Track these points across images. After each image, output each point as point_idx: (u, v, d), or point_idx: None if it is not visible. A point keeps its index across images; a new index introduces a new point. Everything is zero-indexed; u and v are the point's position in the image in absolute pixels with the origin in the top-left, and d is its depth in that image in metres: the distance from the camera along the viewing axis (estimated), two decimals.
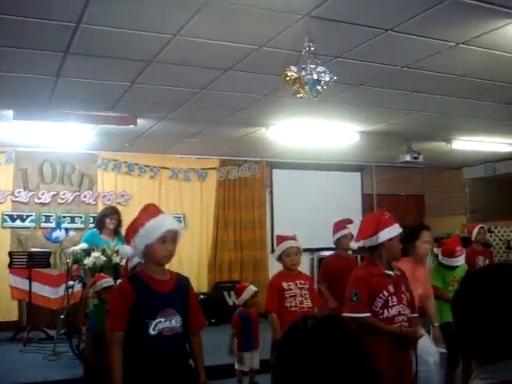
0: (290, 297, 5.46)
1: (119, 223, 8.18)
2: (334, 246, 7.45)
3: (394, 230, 4.35)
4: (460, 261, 6.34)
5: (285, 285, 5.49)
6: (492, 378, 1.65)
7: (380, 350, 3.82)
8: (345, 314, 4.20)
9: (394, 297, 4.22)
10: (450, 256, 6.32)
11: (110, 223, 8.06)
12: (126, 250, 3.73)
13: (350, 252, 7.78)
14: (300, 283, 5.54)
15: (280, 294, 5.47)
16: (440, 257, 6.44)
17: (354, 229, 6.45)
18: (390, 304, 4.20)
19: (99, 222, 8.22)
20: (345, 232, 7.23)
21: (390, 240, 4.30)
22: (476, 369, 1.74)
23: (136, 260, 4.66)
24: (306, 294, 5.52)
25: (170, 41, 5.11)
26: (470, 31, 5.07)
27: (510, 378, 1.64)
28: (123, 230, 8.40)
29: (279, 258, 5.69)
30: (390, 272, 4.30)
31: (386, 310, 4.19)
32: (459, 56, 5.72)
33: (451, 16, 4.73)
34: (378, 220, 4.37)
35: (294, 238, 5.74)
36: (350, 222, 7.32)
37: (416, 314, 4.50)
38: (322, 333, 1.53)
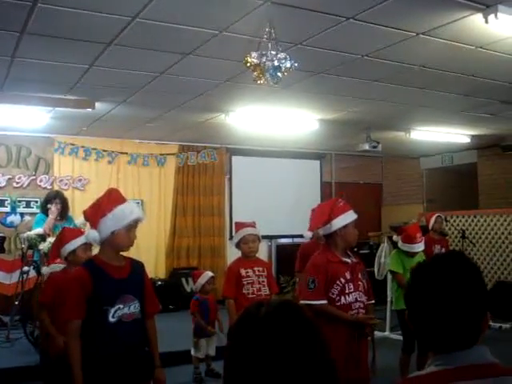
0: (248, 284, 5.47)
1: (65, 206, 8.08)
2: (303, 233, 7.40)
3: (347, 217, 4.35)
4: (420, 247, 6.42)
5: (243, 271, 5.50)
6: (447, 365, 1.69)
7: (336, 337, 3.93)
8: (301, 302, 4.24)
9: (350, 284, 4.24)
10: (410, 242, 6.39)
11: (53, 207, 7.96)
12: (94, 234, 3.59)
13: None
14: (258, 270, 5.56)
15: (238, 281, 5.48)
16: (400, 243, 6.50)
17: None
18: (347, 291, 4.22)
19: (43, 208, 8.12)
20: None
21: (344, 227, 4.31)
22: (432, 356, 1.76)
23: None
24: (263, 281, 5.54)
25: (130, 23, 5.02)
26: (431, 22, 5.10)
27: (465, 364, 1.68)
28: (71, 213, 8.37)
29: (237, 245, 5.69)
30: (346, 259, 4.31)
31: (342, 297, 4.21)
32: (419, 46, 5.75)
33: (412, 6, 4.75)
34: (331, 208, 4.39)
35: (252, 225, 5.75)
36: None
37: (372, 301, 4.53)
38: (274, 320, 1.49)
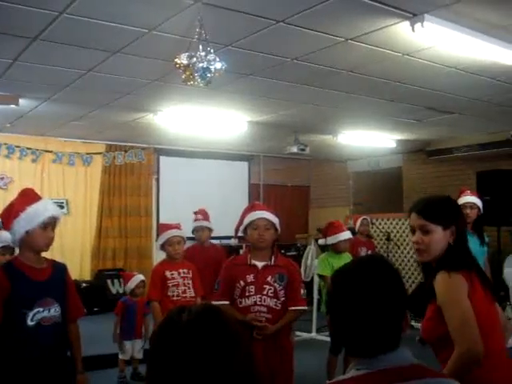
0: (173, 286, 5.44)
1: None
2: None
3: (247, 220, 4.33)
4: (346, 235, 6.49)
5: (168, 273, 5.47)
6: (367, 368, 1.69)
7: None
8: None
9: (251, 286, 4.19)
10: (336, 232, 6.46)
11: None
12: (6, 235, 3.52)
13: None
14: (183, 272, 5.54)
15: (163, 283, 5.44)
16: (327, 240, 6.54)
17: None
18: (247, 294, 4.18)
19: None
20: None
21: (245, 230, 4.33)
22: (353, 360, 1.76)
23: None
24: (189, 283, 5.52)
25: (56, 18, 4.87)
26: (360, 28, 5.16)
27: (386, 367, 1.68)
28: None
29: (162, 247, 5.65)
30: (256, 262, 4.24)
31: (243, 299, 4.20)
32: (348, 51, 5.82)
33: (342, 12, 4.80)
34: (245, 211, 4.40)
35: (177, 227, 5.71)
36: None
37: (298, 307, 4.31)
38: (195, 327, 1.49)
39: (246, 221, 4.32)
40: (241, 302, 4.20)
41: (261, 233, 4.26)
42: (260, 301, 4.19)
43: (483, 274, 2.81)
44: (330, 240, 6.47)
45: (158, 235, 11.35)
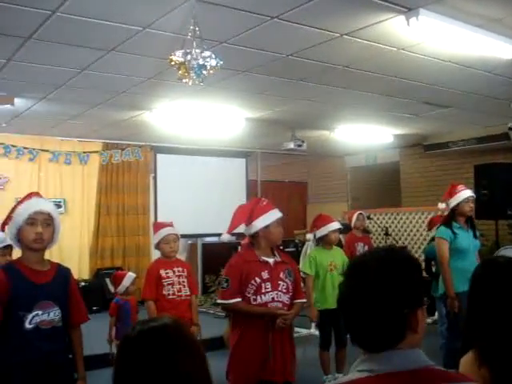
0: (168, 284, 5.44)
1: None
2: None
3: (269, 217, 4.36)
4: (335, 226, 6.43)
5: (163, 272, 5.47)
6: (370, 371, 1.63)
7: (252, 331, 4.18)
8: (218, 301, 4.42)
9: (267, 283, 4.24)
10: (325, 222, 6.42)
11: None
12: (1, 236, 3.50)
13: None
14: (178, 271, 5.54)
15: (158, 282, 5.44)
16: (316, 233, 6.49)
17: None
18: (263, 290, 4.22)
19: None
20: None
21: (266, 227, 4.32)
22: (361, 356, 1.71)
23: None
24: (184, 282, 5.53)
25: (49, 17, 4.86)
26: (355, 23, 5.16)
27: (387, 371, 1.62)
28: None
29: (157, 245, 5.64)
30: (267, 258, 4.30)
31: (258, 296, 4.22)
32: (343, 46, 5.81)
33: (336, 7, 4.79)
34: (252, 209, 4.40)
35: (171, 225, 5.71)
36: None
37: (301, 300, 4.53)
38: (141, 342, 1.71)
39: (270, 218, 4.35)
40: (255, 299, 4.23)
41: (281, 230, 4.39)
42: (276, 297, 4.28)
43: None
44: (320, 232, 6.42)
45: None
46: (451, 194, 6.09)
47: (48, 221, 3.40)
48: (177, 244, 5.65)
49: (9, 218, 3.43)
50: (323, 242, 6.44)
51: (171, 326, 1.73)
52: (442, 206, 6.11)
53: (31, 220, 3.33)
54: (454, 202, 6.02)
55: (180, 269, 5.56)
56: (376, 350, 1.66)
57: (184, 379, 1.61)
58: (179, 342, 1.68)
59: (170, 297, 5.41)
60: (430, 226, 8.35)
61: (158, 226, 5.75)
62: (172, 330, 1.72)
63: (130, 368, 1.64)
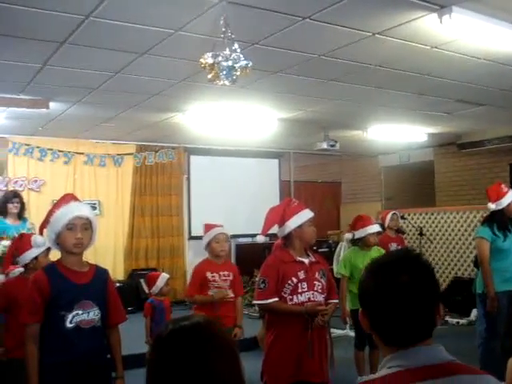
0: (214, 288, 5.48)
1: (23, 206, 8.08)
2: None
3: (301, 217, 4.36)
4: (374, 228, 6.40)
5: (209, 275, 5.51)
6: (399, 366, 1.70)
7: (289, 331, 4.17)
8: (254, 301, 4.39)
9: (304, 283, 4.23)
10: (365, 224, 6.37)
11: (12, 208, 7.98)
12: (38, 239, 3.59)
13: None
14: (224, 275, 5.58)
15: (203, 283, 5.49)
16: (355, 234, 6.43)
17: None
18: (300, 290, 4.22)
19: (1, 208, 8.03)
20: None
21: (299, 227, 4.32)
22: (388, 353, 1.76)
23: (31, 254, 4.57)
24: (228, 286, 5.55)
25: (83, 22, 4.92)
26: (386, 22, 5.13)
27: (416, 366, 1.68)
28: (27, 214, 8.31)
29: (207, 245, 5.65)
30: (302, 259, 4.30)
31: (295, 296, 4.21)
32: (375, 46, 5.78)
33: (368, 6, 4.77)
34: (284, 210, 4.40)
35: (221, 226, 5.78)
36: None
37: (335, 300, 4.54)
38: (172, 341, 1.69)
39: (303, 218, 4.35)
40: (291, 299, 4.23)
41: (314, 229, 4.40)
42: (312, 297, 4.27)
43: None
44: (358, 234, 6.37)
45: (189, 234, 11.59)
46: (499, 194, 5.99)
47: (86, 225, 3.45)
48: (227, 244, 5.71)
49: (46, 221, 3.49)
50: (361, 243, 6.40)
51: (203, 325, 1.72)
52: (492, 206, 6.00)
53: (70, 225, 3.38)
54: (506, 201, 5.94)
55: (226, 273, 5.59)
56: (406, 346, 1.72)
57: (216, 379, 1.61)
58: (211, 341, 1.67)
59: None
60: None
61: (209, 226, 5.77)
62: (204, 328, 1.70)
63: (162, 367, 1.63)
